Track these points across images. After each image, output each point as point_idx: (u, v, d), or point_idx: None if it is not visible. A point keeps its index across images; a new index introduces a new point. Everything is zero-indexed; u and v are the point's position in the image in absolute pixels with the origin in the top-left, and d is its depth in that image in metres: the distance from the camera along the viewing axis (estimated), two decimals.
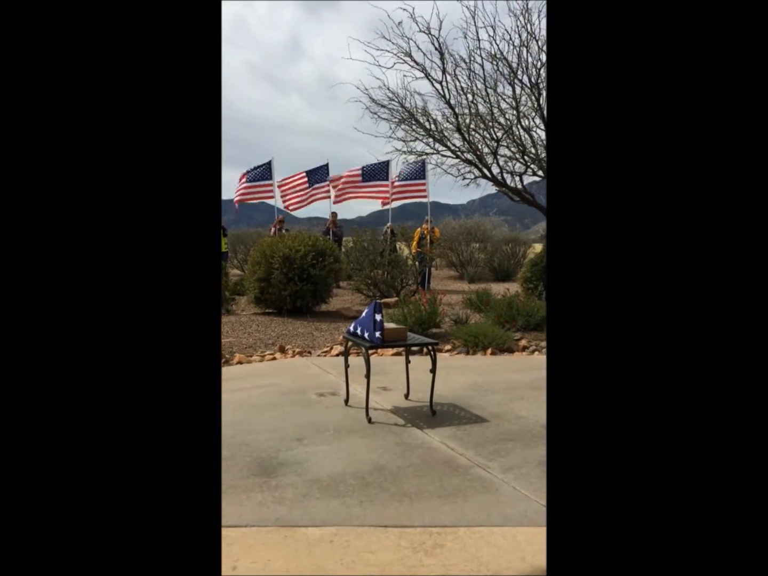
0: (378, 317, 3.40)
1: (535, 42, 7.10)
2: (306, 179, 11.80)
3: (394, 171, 11.20)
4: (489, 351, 5.44)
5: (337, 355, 5.30)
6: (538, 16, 7.16)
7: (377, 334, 3.38)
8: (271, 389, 4.13)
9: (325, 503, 2.34)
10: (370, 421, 3.37)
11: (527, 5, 6.98)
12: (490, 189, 8.50)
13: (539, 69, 7.22)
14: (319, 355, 5.42)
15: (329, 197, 11.87)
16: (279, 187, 11.99)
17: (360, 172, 11.43)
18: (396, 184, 11.18)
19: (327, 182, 11.74)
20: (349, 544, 2.04)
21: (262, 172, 11.74)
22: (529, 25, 7.03)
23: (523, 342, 5.82)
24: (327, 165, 11.86)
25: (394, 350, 5.14)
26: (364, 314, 3.55)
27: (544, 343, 5.80)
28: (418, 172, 10.90)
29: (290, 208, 12.14)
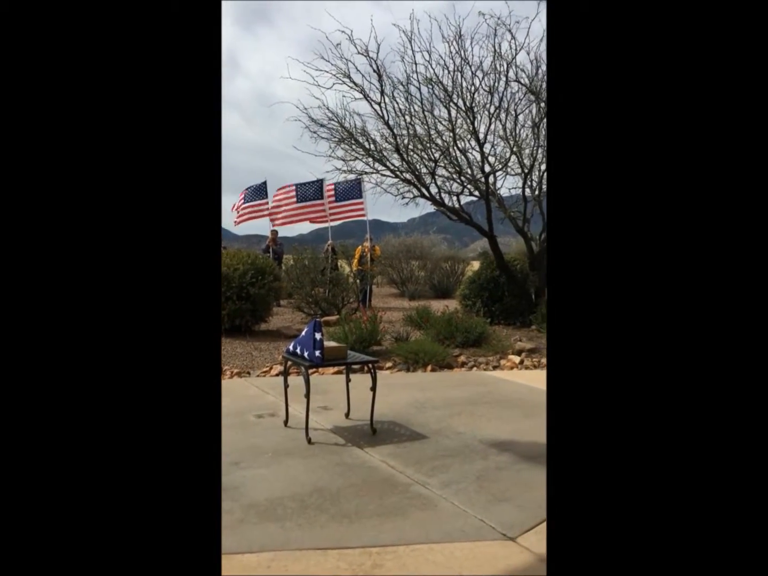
0: (318, 336, 3.39)
1: (468, 67, 7.36)
2: (242, 196, 11.58)
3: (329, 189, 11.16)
4: (429, 367, 5.51)
5: (277, 375, 5.21)
6: (471, 42, 7.45)
7: (317, 353, 3.36)
8: None
9: (263, 528, 2.29)
10: (310, 441, 3.33)
11: (460, 32, 7.22)
12: (430, 208, 8.67)
13: (473, 93, 7.49)
14: (258, 376, 5.31)
15: (268, 215, 11.68)
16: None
17: (294, 192, 11.30)
18: (332, 204, 11.14)
19: (265, 200, 11.56)
20: (287, 568, 2.00)
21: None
22: (462, 51, 7.29)
23: (462, 358, 5.93)
24: (265, 183, 11.70)
25: (335, 369, 5.11)
26: (303, 333, 3.53)
27: (482, 359, 5.94)
28: (355, 192, 10.92)
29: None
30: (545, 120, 7.54)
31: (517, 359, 5.90)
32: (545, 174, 8.44)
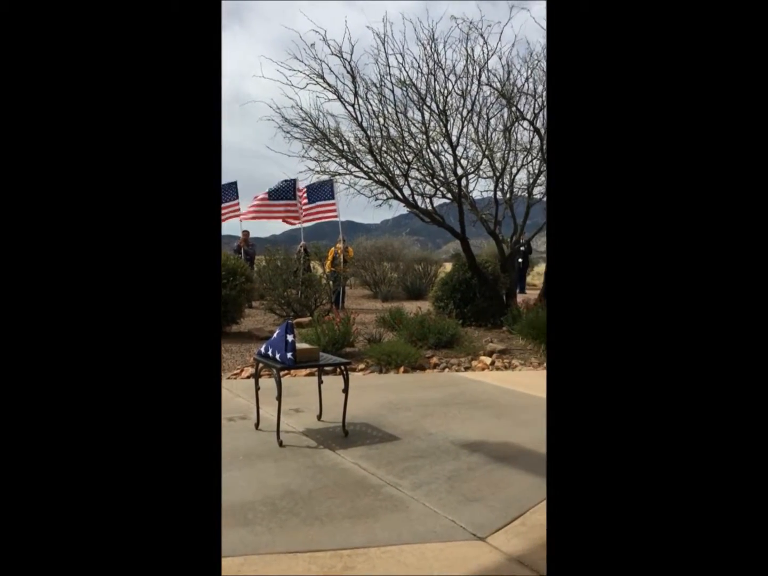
0: (290, 338, 3.37)
1: (441, 71, 7.41)
2: None
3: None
4: (401, 369, 5.53)
5: (248, 377, 5.16)
6: (444, 45, 7.51)
7: (289, 355, 3.34)
8: None
9: (233, 532, 2.26)
10: (281, 444, 3.31)
11: (433, 35, 7.27)
12: (403, 210, 8.70)
13: (446, 96, 7.55)
14: (228, 378, 5.25)
15: (239, 216, 11.54)
16: None
17: (267, 194, 11.22)
18: (305, 207, 11.08)
19: (236, 201, 11.41)
20: (257, 573, 1.98)
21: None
22: (435, 55, 7.34)
23: (434, 359, 5.96)
24: (236, 183, 11.55)
25: (307, 371, 5.09)
26: (275, 335, 3.50)
27: (454, 360, 5.99)
28: (326, 193, 10.88)
29: None
30: (539, 119, 7.66)
31: (488, 360, 5.96)
32: (516, 177, 8.57)
